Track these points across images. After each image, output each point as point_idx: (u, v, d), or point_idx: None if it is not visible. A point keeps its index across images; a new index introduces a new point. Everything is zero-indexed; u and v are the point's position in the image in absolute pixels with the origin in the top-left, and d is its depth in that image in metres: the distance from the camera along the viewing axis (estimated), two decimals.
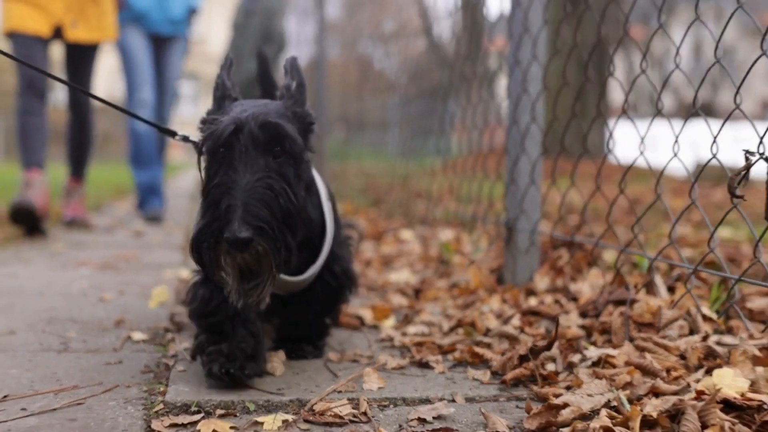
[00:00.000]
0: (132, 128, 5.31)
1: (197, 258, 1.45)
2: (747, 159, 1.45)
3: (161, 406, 1.47)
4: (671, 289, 2.03)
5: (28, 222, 4.06)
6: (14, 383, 1.59)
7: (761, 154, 1.44)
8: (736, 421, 1.28)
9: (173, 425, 1.38)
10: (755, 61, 1.60)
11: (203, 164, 1.52)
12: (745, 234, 3.47)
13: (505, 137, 2.54)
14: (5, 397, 1.51)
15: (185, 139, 1.77)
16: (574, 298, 2.18)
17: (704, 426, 1.25)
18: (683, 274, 2.10)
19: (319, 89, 8.31)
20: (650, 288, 2.01)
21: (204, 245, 1.42)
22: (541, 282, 2.38)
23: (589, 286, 2.26)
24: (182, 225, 5.10)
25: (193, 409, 1.46)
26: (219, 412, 1.46)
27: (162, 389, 1.58)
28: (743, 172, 1.45)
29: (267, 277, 1.46)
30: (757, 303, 1.93)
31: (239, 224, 1.35)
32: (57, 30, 4.41)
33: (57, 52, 4.66)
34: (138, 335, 2.03)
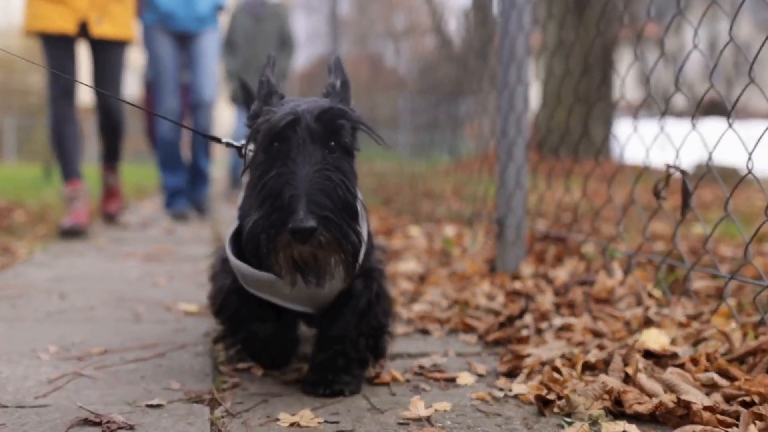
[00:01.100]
0: (159, 136, 5.78)
1: (254, 250, 1.43)
2: (668, 170, 1.93)
3: (224, 357, 1.96)
4: (626, 273, 2.51)
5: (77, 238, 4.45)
6: (108, 343, 2.09)
7: (678, 168, 1.92)
8: (651, 363, 1.76)
9: (236, 369, 1.87)
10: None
11: (254, 157, 1.52)
12: (720, 230, 3.94)
13: (496, 146, 3.03)
14: (105, 351, 2.01)
15: (229, 145, 1.81)
16: (550, 282, 2.67)
17: (626, 365, 1.73)
18: (640, 262, 2.58)
19: None
20: (609, 272, 2.49)
21: (263, 236, 1.40)
22: (526, 269, 2.86)
23: (565, 272, 2.74)
24: (208, 223, 5.59)
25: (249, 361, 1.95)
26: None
27: (221, 347, 2.07)
28: (665, 180, 1.93)
29: (326, 271, 1.45)
30: (696, 284, 2.41)
31: (304, 213, 1.34)
32: (82, 27, 4.49)
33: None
34: (193, 309, 2.52)
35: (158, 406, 1.59)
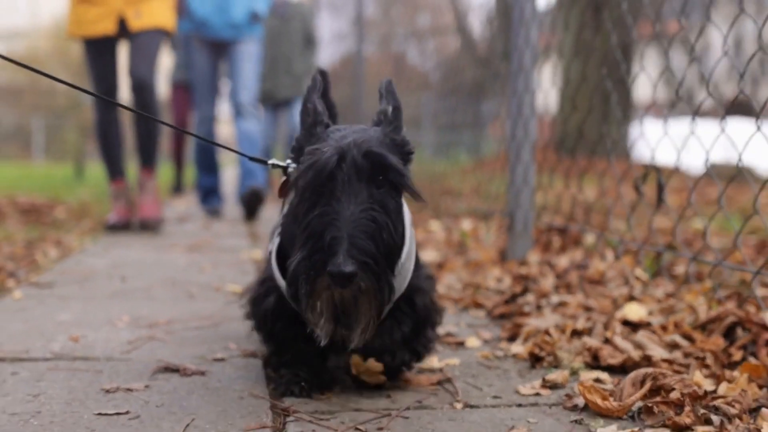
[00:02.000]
0: (196, 140, 6.21)
1: (295, 295, 1.43)
2: (645, 169, 2.30)
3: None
4: (618, 258, 2.87)
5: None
6: (170, 315, 2.49)
7: (653, 167, 2.29)
8: (628, 330, 2.12)
9: None
10: None
11: (298, 194, 1.49)
12: (717, 224, 4.29)
13: (506, 148, 3.40)
14: (169, 321, 2.41)
15: (276, 166, 1.77)
16: (552, 267, 3.04)
17: (606, 330, 2.10)
18: (631, 249, 2.95)
19: (357, 85, 8.99)
20: (602, 258, 2.86)
21: (302, 277, 1.39)
22: (533, 257, 3.23)
23: (567, 259, 3.11)
24: (240, 219, 6.00)
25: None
26: None
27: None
28: (642, 177, 2.30)
29: (363, 320, 1.43)
30: (679, 269, 2.77)
31: (344, 257, 1.32)
32: (121, 24, 4.66)
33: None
34: (238, 289, 2.92)
35: (221, 359, 1.98)
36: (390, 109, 1.59)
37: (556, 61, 6.73)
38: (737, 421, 1.48)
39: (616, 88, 3.08)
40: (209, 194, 6.31)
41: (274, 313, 1.72)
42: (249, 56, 5.87)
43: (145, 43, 4.76)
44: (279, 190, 1.74)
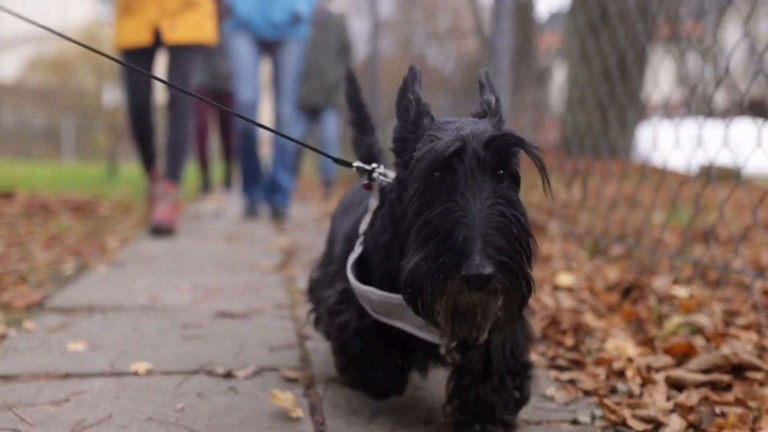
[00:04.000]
0: (237, 128, 6.52)
1: (413, 296, 1.32)
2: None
3: (297, 289, 3.23)
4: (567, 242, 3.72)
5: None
6: (219, 284, 3.37)
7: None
8: (555, 292, 2.97)
9: (303, 293, 3.13)
10: None
11: (414, 188, 1.40)
12: (677, 219, 5.11)
13: None
14: (220, 286, 3.30)
15: (360, 169, 1.69)
16: None
17: (539, 290, 2.95)
18: (579, 236, 3.80)
19: (373, 86, 9.57)
20: (551, 241, 3.72)
21: (427, 281, 1.29)
22: None
23: None
24: (267, 216, 6.89)
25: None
26: None
27: (294, 287, 3.34)
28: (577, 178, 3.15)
29: (491, 319, 1.32)
30: (614, 250, 3.62)
31: (481, 258, 1.23)
32: (156, 35, 4.96)
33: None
34: (272, 266, 3.81)
35: (259, 309, 2.86)
36: (493, 99, 1.53)
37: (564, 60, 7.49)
38: (601, 342, 2.33)
39: (612, 93, 3.73)
40: (250, 181, 6.48)
41: (355, 328, 1.68)
42: (291, 63, 6.18)
43: (180, 61, 5.08)
44: (381, 203, 1.66)
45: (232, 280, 3.48)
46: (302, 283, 3.40)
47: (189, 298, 3.06)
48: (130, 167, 15.16)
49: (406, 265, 1.33)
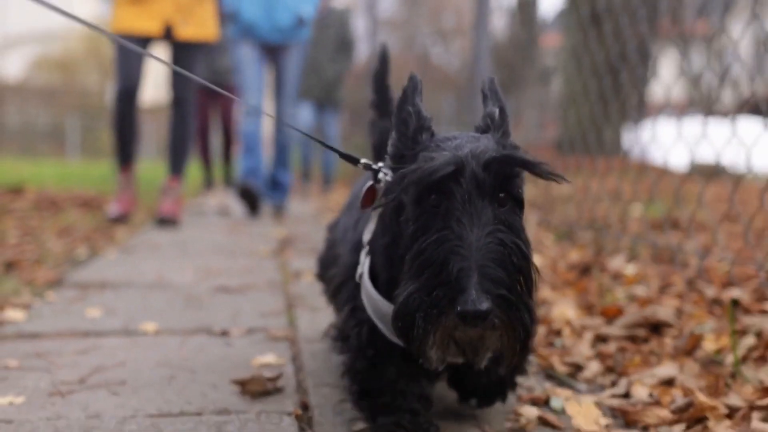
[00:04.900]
0: (242, 128, 6.43)
1: (404, 331, 1.27)
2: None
3: (290, 270, 3.60)
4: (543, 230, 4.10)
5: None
6: (220, 267, 3.75)
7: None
8: None
9: (294, 277, 3.51)
10: None
11: (408, 212, 1.36)
12: (655, 211, 5.48)
13: None
14: (221, 269, 3.68)
15: (368, 167, 1.60)
16: None
17: None
18: (550, 223, 4.17)
19: None
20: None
21: (420, 315, 1.23)
22: None
23: None
24: (267, 213, 7.27)
25: (305, 269, 3.58)
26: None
27: (288, 269, 3.71)
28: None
29: (489, 352, 1.29)
30: (581, 235, 4.00)
31: (477, 293, 1.17)
32: (166, 30, 5.09)
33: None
34: (268, 253, 4.19)
35: (255, 286, 3.24)
36: (497, 111, 1.45)
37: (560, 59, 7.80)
38: (549, 309, 2.70)
39: (602, 94, 4.03)
40: (249, 174, 6.39)
41: (369, 349, 1.57)
42: (294, 68, 6.36)
43: (188, 58, 5.26)
44: (363, 200, 1.59)
45: (231, 263, 3.86)
46: (295, 265, 3.78)
47: (192, 277, 3.44)
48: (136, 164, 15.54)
49: (398, 297, 1.29)
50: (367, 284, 1.55)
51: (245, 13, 6.05)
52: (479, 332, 1.23)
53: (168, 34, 5.20)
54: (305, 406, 1.78)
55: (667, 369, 1.89)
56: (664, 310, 2.32)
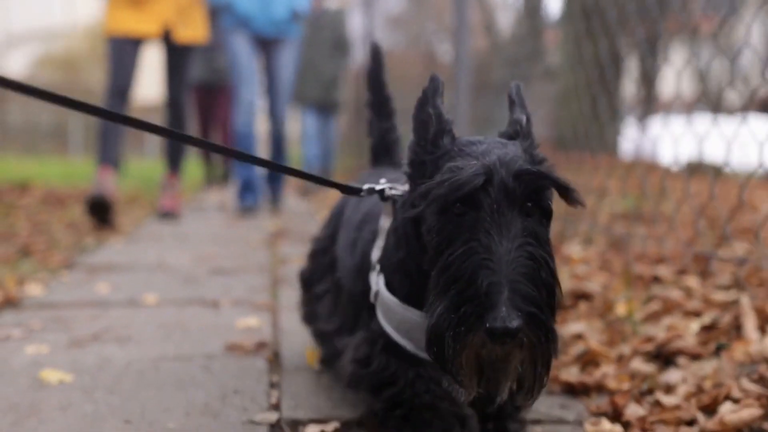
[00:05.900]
0: (236, 129, 6.43)
1: (439, 354, 1.23)
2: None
3: (279, 257, 4.04)
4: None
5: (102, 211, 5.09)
6: (217, 254, 4.19)
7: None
8: None
9: (282, 262, 3.94)
10: None
11: (432, 223, 1.30)
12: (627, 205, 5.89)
13: None
14: (217, 255, 4.12)
15: (372, 191, 1.57)
16: None
17: None
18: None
19: None
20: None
21: (449, 334, 1.19)
22: None
23: None
24: (266, 209, 7.70)
25: (294, 255, 4.01)
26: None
27: (277, 255, 4.15)
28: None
29: (512, 376, 1.23)
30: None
31: (508, 309, 1.13)
32: (165, 33, 5.25)
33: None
34: (261, 242, 4.63)
35: (246, 269, 3.68)
36: (524, 118, 1.43)
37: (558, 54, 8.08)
38: None
39: (598, 93, 4.33)
40: (246, 189, 6.55)
41: (393, 374, 1.52)
42: (287, 63, 6.42)
43: (184, 61, 5.50)
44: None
45: (226, 250, 4.31)
46: (285, 251, 4.22)
47: (190, 262, 3.89)
48: (137, 163, 16.06)
49: (429, 320, 1.25)
50: (387, 299, 1.52)
51: (240, 5, 6.08)
52: (506, 350, 1.18)
53: (166, 37, 5.43)
54: (277, 355, 2.22)
55: (577, 326, 2.32)
56: (592, 285, 2.75)
